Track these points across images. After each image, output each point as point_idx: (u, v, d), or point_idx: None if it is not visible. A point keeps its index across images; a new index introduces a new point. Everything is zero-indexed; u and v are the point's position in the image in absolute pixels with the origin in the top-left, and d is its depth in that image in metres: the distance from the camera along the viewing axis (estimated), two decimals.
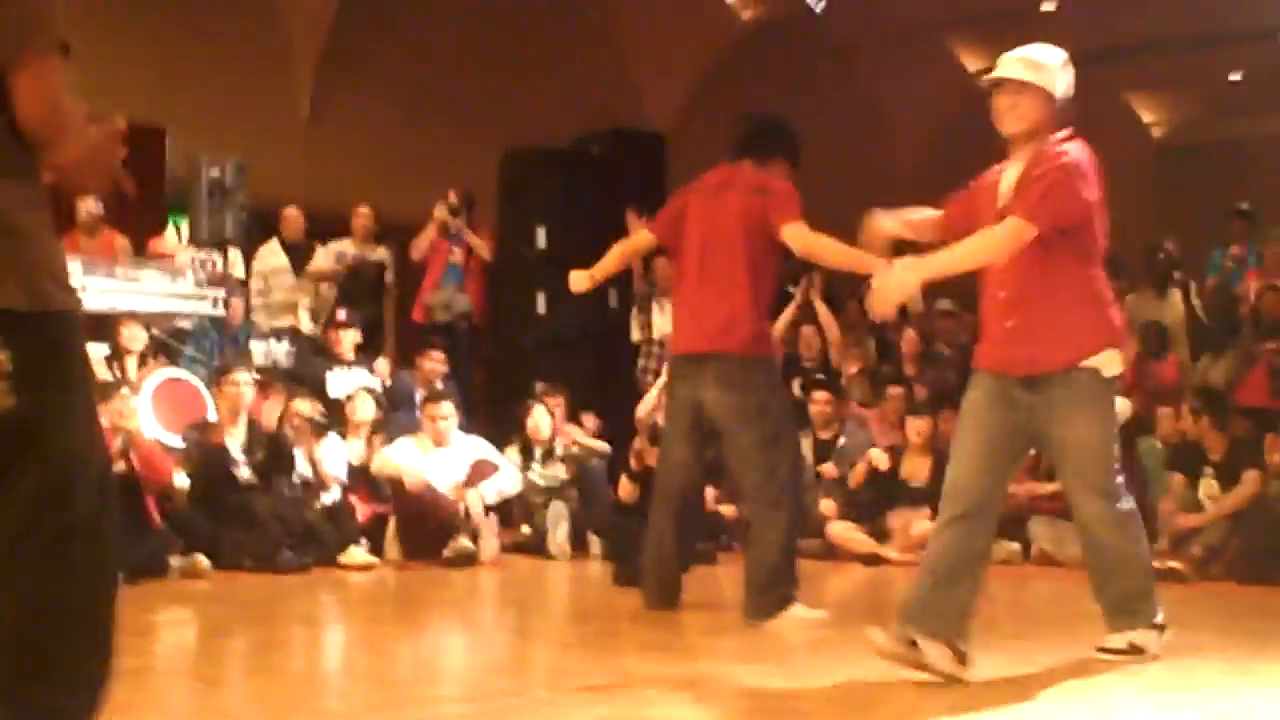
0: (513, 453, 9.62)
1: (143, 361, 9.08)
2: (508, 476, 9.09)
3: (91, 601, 2.65)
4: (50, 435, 2.57)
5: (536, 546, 9.20)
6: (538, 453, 9.64)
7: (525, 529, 9.39)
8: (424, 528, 8.48)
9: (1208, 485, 8.94)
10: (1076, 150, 4.52)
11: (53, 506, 2.57)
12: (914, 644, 4.36)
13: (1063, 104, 4.56)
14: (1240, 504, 8.71)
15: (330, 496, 8.48)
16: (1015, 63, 4.57)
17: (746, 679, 4.65)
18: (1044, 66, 4.57)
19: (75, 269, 8.22)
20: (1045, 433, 4.60)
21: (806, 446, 9.92)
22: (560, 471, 9.64)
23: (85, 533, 2.60)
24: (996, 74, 4.57)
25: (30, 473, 2.54)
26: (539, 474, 9.58)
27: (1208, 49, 15.78)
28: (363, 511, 8.59)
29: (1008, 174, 4.59)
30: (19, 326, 2.51)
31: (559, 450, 9.71)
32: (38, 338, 2.54)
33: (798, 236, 5.75)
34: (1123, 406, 9.61)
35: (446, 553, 8.42)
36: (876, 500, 9.54)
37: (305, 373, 9.86)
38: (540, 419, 9.68)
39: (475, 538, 8.57)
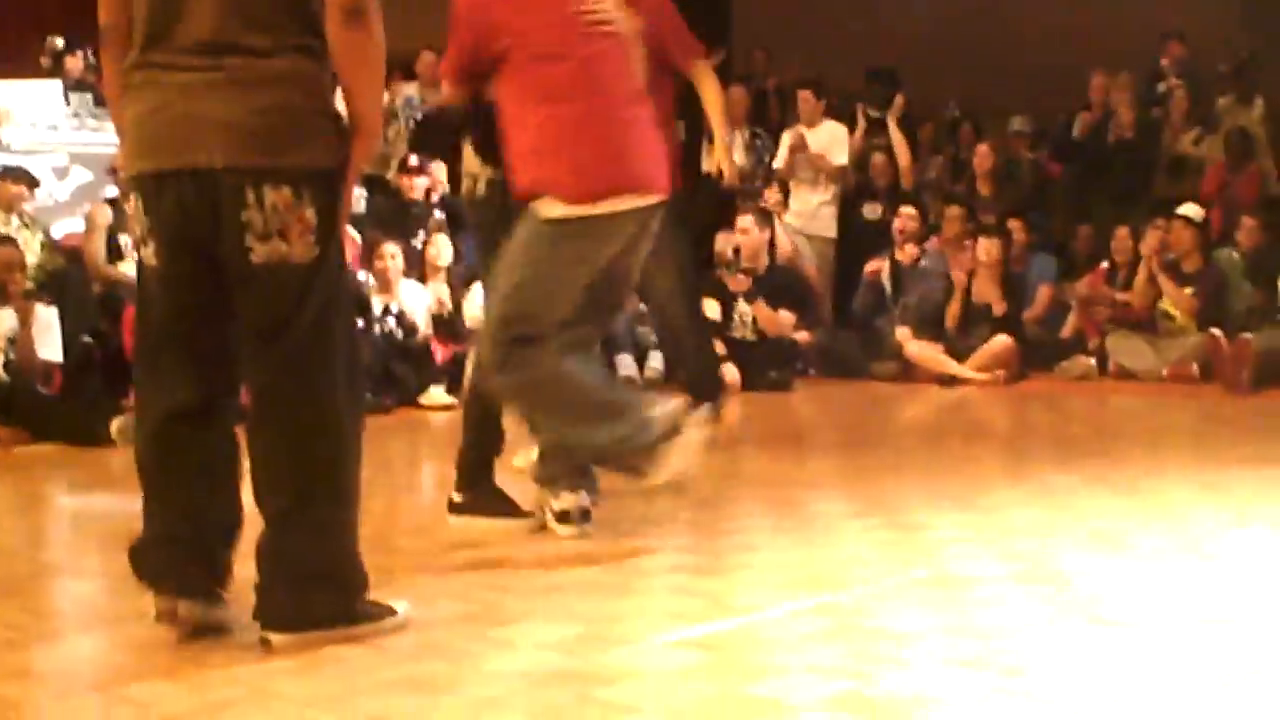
0: None
1: None
2: None
3: (351, 428, 3.01)
4: (325, 282, 2.90)
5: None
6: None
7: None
8: None
9: None
10: None
11: (320, 347, 2.90)
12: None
13: None
14: None
15: (411, 339, 8.52)
16: None
17: (847, 517, 4.68)
18: None
19: None
20: None
21: (884, 267, 9.88)
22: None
23: (344, 372, 2.95)
24: None
25: (306, 313, 2.87)
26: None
27: None
28: (441, 353, 8.64)
29: None
30: (321, 183, 2.86)
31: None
32: (332, 193, 2.89)
33: None
34: (1196, 212, 9.40)
35: None
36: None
37: (389, 218, 9.80)
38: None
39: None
